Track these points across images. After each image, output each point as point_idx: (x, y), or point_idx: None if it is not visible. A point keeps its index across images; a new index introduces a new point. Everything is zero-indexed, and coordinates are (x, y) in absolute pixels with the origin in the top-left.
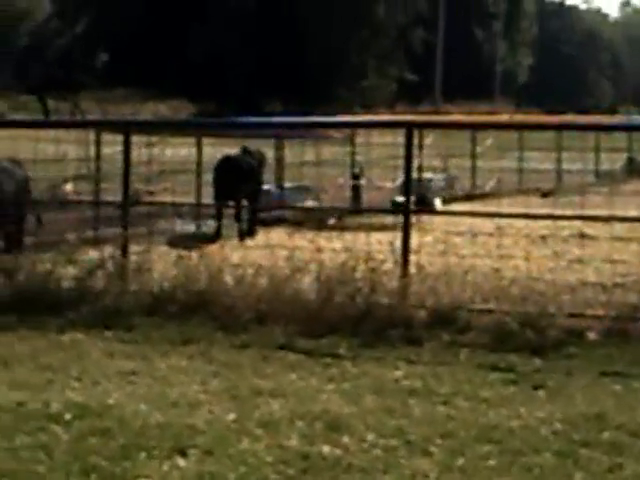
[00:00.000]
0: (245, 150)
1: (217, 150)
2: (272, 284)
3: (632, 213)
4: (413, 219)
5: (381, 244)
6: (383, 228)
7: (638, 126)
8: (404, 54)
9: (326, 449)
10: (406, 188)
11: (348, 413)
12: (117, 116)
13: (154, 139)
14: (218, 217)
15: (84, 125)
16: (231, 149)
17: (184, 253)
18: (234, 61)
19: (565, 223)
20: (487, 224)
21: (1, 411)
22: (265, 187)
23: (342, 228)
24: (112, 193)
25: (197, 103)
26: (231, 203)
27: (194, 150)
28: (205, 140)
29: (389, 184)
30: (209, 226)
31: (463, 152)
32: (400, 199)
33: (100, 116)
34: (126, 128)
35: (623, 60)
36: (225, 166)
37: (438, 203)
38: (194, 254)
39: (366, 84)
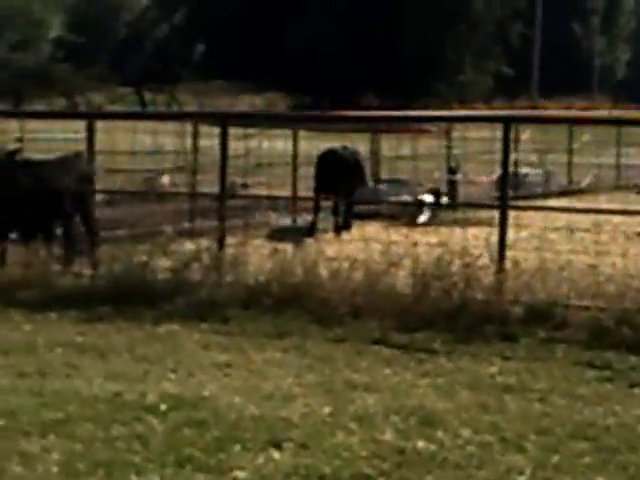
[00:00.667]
0: (345, 147)
1: (313, 143)
2: (367, 278)
3: None
4: (510, 214)
5: (477, 239)
6: (479, 223)
7: None
8: (501, 49)
9: (421, 444)
10: (503, 183)
11: (443, 408)
12: (213, 108)
13: (251, 131)
14: (316, 210)
15: (182, 117)
16: (327, 142)
17: (279, 246)
18: (331, 54)
19: None
20: (584, 220)
21: (98, 401)
22: None
23: (437, 223)
24: (208, 185)
25: (293, 96)
26: (330, 196)
27: (290, 143)
28: (301, 133)
29: (485, 178)
30: (305, 219)
31: (560, 147)
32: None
33: (196, 108)
34: (224, 120)
35: None
36: (329, 158)
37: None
38: (289, 247)
39: (463, 79)
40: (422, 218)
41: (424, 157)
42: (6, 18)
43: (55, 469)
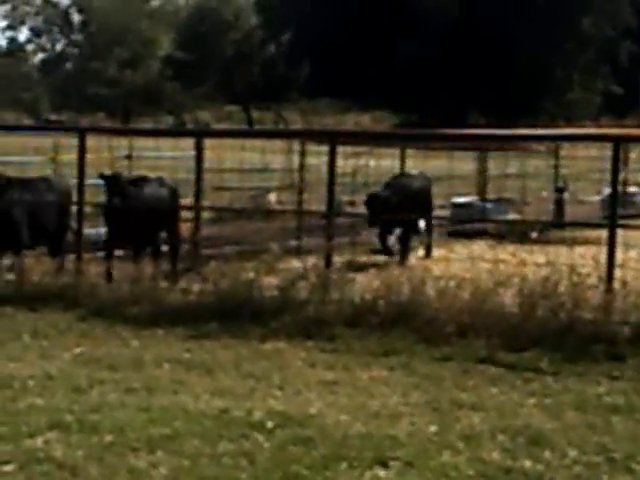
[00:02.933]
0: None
1: (420, 162)
2: (474, 297)
3: None
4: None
5: (584, 258)
6: (587, 242)
7: None
8: (610, 67)
9: (528, 464)
10: (612, 202)
11: (550, 428)
12: (320, 126)
13: (359, 150)
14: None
15: (290, 135)
16: (434, 161)
17: (386, 264)
18: (438, 73)
19: None
20: None
21: (205, 418)
22: (468, 199)
23: (545, 242)
24: (315, 203)
25: (399, 114)
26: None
27: (397, 162)
28: (408, 152)
29: (593, 197)
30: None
31: None
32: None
33: (303, 126)
34: (332, 138)
35: None
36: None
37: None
38: (396, 266)
39: (571, 97)
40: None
41: (531, 176)
42: (116, 36)
43: None
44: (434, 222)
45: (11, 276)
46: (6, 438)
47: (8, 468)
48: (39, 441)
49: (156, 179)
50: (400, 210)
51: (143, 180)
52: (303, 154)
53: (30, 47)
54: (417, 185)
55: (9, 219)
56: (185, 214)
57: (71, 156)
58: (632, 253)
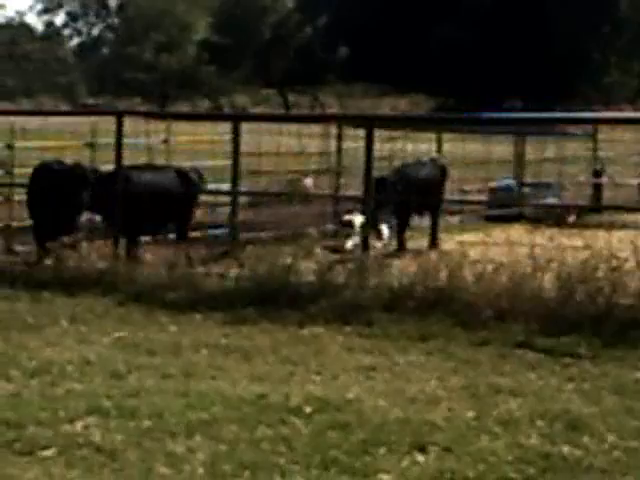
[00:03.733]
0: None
1: (457, 145)
2: (512, 281)
3: None
4: None
5: (622, 243)
6: (624, 226)
7: None
8: None
9: (566, 449)
10: None
11: (588, 413)
12: (356, 110)
13: (395, 134)
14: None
15: (327, 119)
16: (471, 144)
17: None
18: (473, 56)
19: None
20: None
21: (243, 403)
22: (505, 183)
23: (582, 226)
24: (352, 187)
25: (436, 98)
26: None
27: (434, 145)
28: (445, 135)
29: (631, 181)
30: (447, 221)
31: None
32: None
33: (339, 110)
34: (370, 122)
35: None
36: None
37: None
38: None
39: (608, 80)
40: (349, 244)
41: (569, 160)
42: (153, 20)
43: (201, 470)
44: (471, 207)
45: (49, 261)
46: (45, 423)
47: (47, 453)
48: (78, 426)
49: (168, 167)
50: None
51: (150, 168)
52: (340, 138)
53: (67, 31)
54: (425, 174)
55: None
56: (222, 198)
57: (108, 140)
58: None
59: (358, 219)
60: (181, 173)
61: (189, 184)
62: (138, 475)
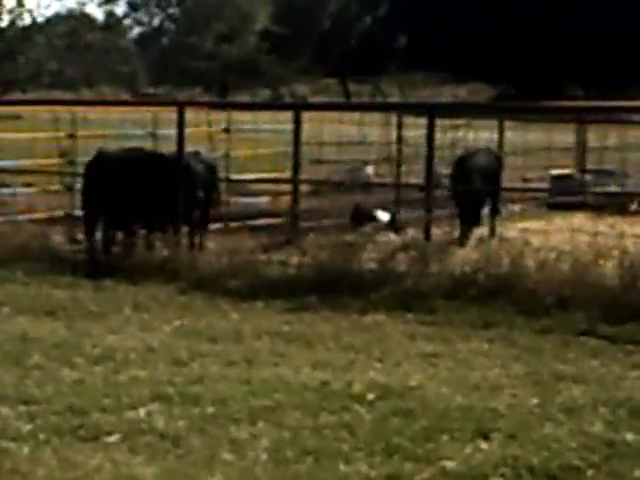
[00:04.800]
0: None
1: (519, 134)
2: (574, 269)
3: None
4: None
5: None
6: None
7: None
8: None
9: (630, 436)
10: None
11: None
12: (416, 99)
13: (458, 122)
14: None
15: (388, 108)
16: (532, 132)
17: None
18: (535, 44)
19: None
20: None
21: (306, 390)
22: (567, 171)
23: None
24: (414, 176)
25: (496, 86)
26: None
27: (496, 133)
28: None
29: None
30: (509, 210)
31: None
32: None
33: (399, 99)
34: (431, 111)
35: None
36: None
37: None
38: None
39: None
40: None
41: (632, 147)
42: (213, 10)
43: (264, 456)
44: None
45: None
46: (109, 409)
47: (112, 439)
48: (141, 412)
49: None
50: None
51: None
52: (400, 127)
53: (127, 21)
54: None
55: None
56: (284, 187)
57: (170, 131)
58: None
59: (383, 215)
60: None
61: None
62: (202, 461)
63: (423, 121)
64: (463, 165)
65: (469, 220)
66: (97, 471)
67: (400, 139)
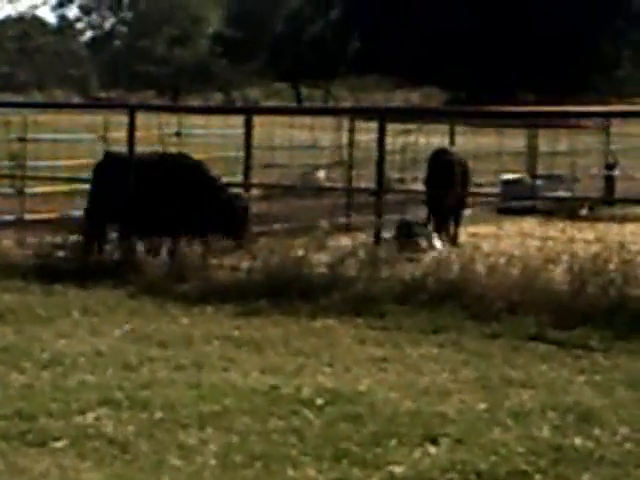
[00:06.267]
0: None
1: (469, 139)
2: (524, 274)
3: None
4: None
5: (635, 235)
6: (637, 219)
7: None
8: None
9: (578, 441)
10: None
11: (600, 405)
12: (369, 103)
13: (408, 127)
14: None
15: (339, 112)
16: (483, 138)
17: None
18: (486, 49)
19: None
20: None
21: (254, 394)
22: (518, 176)
23: (595, 219)
24: (365, 180)
25: (448, 91)
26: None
27: (447, 139)
28: (457, 128)
29: None
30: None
31: None
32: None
33: (352, 103)
34: (382, 115)
35: None
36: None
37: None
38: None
39: (621, 74)
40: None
41: (581, 153)
42: (165, 14)
43: (213, 461)
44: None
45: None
46: (57, 414)
47: (59, 444)
48: (90, 417)
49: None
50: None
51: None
52: (352, 131)
53: (80, 24)
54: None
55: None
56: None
57: (121, 134)
58: None
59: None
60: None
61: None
62: (150, 466)
63: (375, 125)
64: (441, 159)
65: (444, 218)
66: (44, 476)
67: (352, 143)
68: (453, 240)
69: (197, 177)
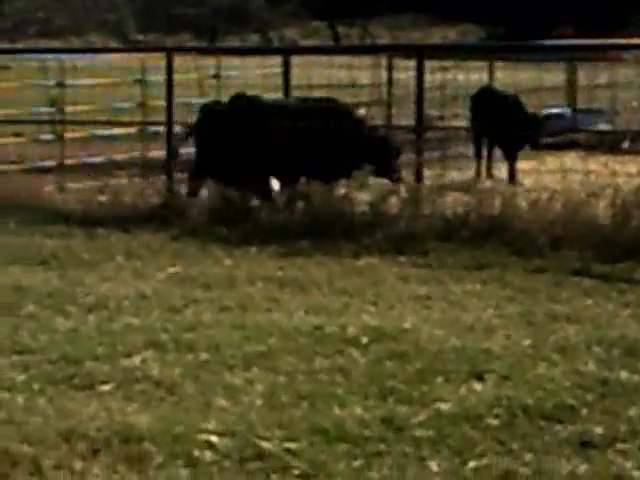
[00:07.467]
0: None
1: (509, 74)
2: (566, 208)
3: None
4: None
5: None
6: None
7: None
8: None
9: (624, 375)
10: None
11: None
12: (406, 41)
13: (447, 64)
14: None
15: (377, 50)
16: (523, 73)
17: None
18: None
19: None
20: None
21: (299, 334)
22: (558, 110)
23: (636, 152)
24: (404, 118)
25: (486, 27)
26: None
27: (486, 74)
28: (497, 64)
29: None
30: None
31: None
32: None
33: (389, 41)
34: (420, 52)
35: None
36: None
37: None
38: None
39: None
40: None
41: (621, 85)
42: None
43: (259, 401)
44: None
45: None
46: (103, 358)
47: (106, 387)
48: (136, 360)
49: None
50: None
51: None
52: (390, 69)
53: None
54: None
55: None
56: None
57: (158, 77)
58: None
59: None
60: None
61: None
62: (196, 408)
63: (413, 63)
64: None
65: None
66: (92, 419)
67: (390, 81)
68: (511, 177)
69: (350, 121)
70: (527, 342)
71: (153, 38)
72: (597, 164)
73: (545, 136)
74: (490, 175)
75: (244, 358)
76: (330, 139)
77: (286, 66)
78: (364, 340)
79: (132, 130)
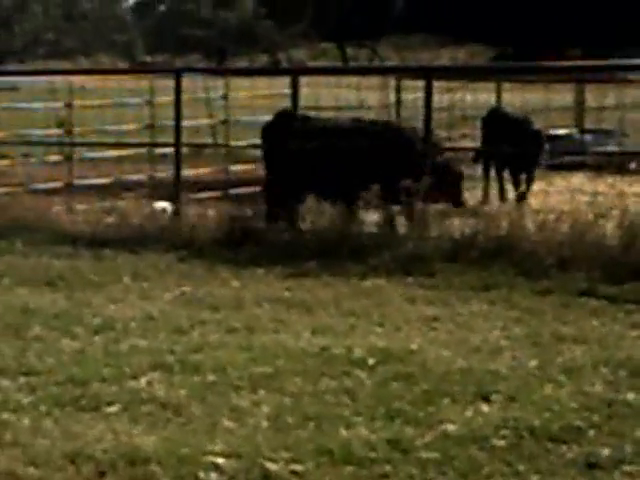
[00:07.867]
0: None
1: (516, 95)
2: (574, 229)
3: None
4: None
5: None
6: None
7: None
8: None
9: (631, 396)
10: None
11: None
12: (415, 62)
13: (455, 85)
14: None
15: (385, 71)
16: (530, 94)
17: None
18: (532, 4)
19: None
20: None
21: (306, 356)
22: (566, 131)
23: None
24: None
25: (494, 47)
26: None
27: (493, 95)
28: (504, 85)
29: None
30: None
31: None
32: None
33: (398, 62)
34: (428, 74)
35: None
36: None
37: None
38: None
39: None
40: None
41: (630, 107)
42: None
43: (265, 423)
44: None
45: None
46: (110, 379)
47: (112, 409)
48: (142, 382)
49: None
50: None
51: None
52: (399, 90)
53: None
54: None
55: None
56: None
57: (167, 98)
58: None
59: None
60: None
61: None
62: (203, 429)
63: (421, 84)
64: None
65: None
66: (98, 441)
67: (398, 102)
68: (520, 197)
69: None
70: (534, 363)
71: (162, 59)
72: (605, 185)
73: (552, 157)
74: (503, 198)
75: (250, 379)
76: (404, 168)
77: (295, 87)
78: (371, 361)
79: (142, 151)
